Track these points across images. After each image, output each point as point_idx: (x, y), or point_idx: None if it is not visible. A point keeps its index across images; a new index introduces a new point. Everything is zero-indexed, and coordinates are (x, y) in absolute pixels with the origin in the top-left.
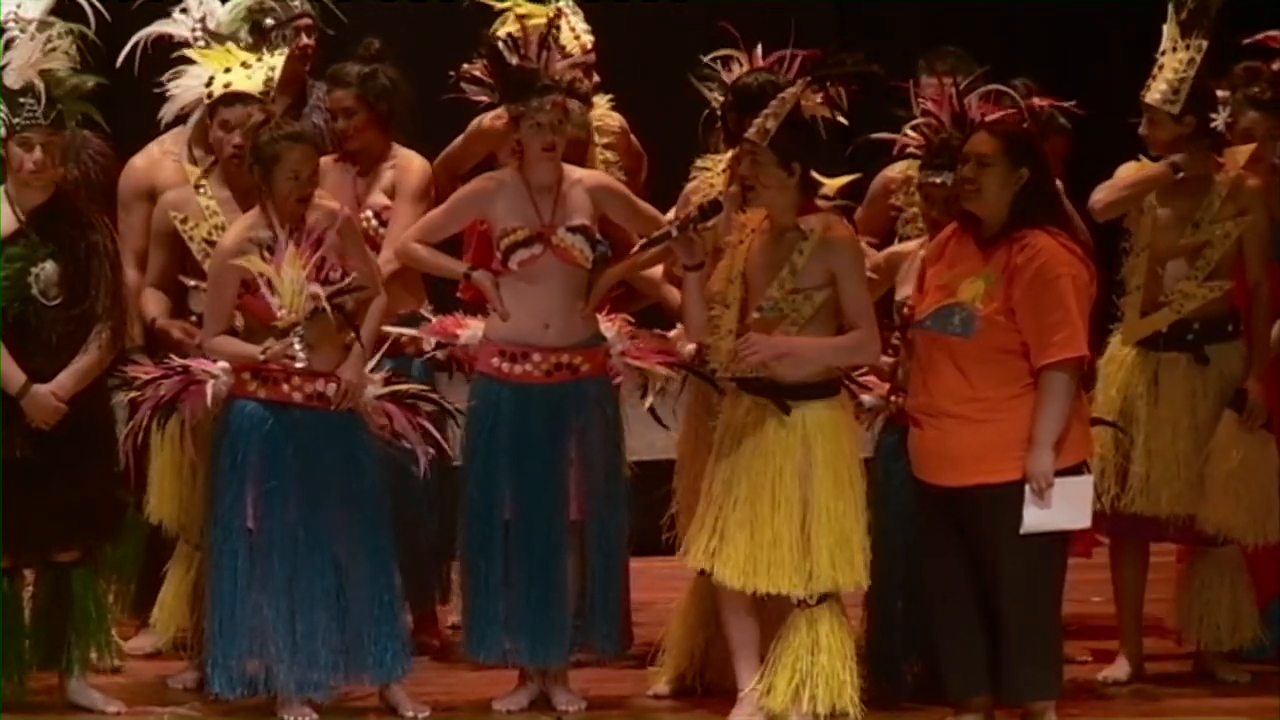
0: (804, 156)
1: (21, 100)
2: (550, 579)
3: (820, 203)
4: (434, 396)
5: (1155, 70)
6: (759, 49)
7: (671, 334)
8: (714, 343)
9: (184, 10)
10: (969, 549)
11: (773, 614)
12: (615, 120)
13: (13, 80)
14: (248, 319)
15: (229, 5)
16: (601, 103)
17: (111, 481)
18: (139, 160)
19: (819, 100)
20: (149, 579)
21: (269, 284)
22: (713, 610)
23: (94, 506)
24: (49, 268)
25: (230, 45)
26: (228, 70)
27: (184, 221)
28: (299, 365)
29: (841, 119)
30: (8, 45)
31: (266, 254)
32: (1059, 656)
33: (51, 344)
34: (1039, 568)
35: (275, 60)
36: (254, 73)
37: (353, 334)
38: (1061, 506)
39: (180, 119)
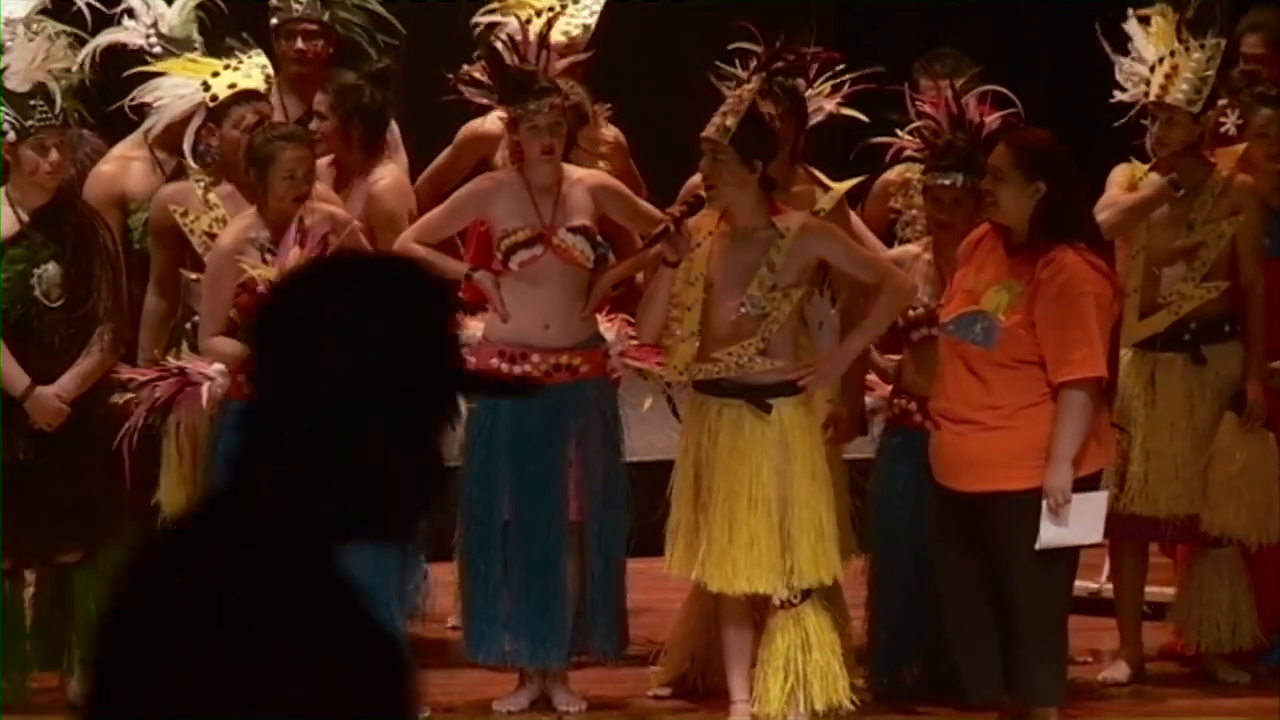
0: (764, 154)
1: (33, 103)
2: (549, 579)
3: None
4: None
5: (1168, 70)
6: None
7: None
8: (670, 345)
9: (131, 15)
10: (982, 552)
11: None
12: (610, 133)
13: (17, 83)
14: (244, 320)
15: (176, 6)
16: (597, 112)
17: (113, 483)
18: (105, 167)
19: (774, 99)
20: None
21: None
22: (713, 611)
23: (95, 508)
24: (51, 269)
25: (189, 55)
26: (217, 74)
27: (184, 215)
28: None
29: (856, 115)
30: (4, 49)
31: (268, 256)
32: (1064, 662)
33: (54, 346)
34: (1052, 575)
35: (260, 58)
36: (250, 71)
37: None
38: (1077, 522)
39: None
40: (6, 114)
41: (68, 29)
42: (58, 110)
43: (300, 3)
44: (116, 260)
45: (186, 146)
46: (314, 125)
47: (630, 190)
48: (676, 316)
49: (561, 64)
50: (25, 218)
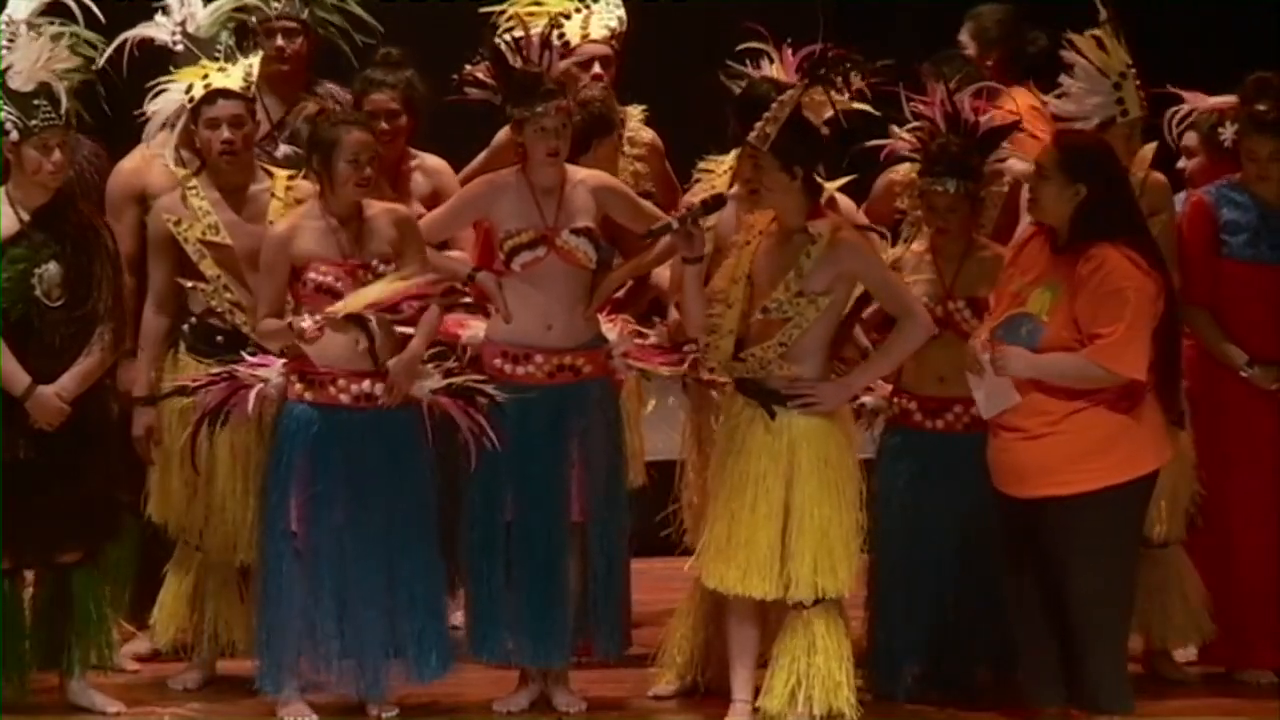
0: (806, 160)
1: (36, 102)
2: (552, 580)
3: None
4: (488, 390)
5: (1135, 86)
6: (788, 43)
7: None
8: (713, 341)
9: (165, 12)
10: (1041, 556)
11: (777, 619)
12: (647, 134)
13: (20, 83)
14: (296, 307)
15: (210, 8)
16: (635, 114)
17: (112, 482)
18: (127, 163)
19: (822, 101)
20: (147, 581)
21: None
22: (714, 611)
23: (95, 507)
24: (52, 269)
25: (205, 62)
26: (205, 76)
27: (177, 224)
28: (303, 324)
29: (845, 118)
30: (7, 47)
31: (332, 241)
32: (1127, 668)
33: (55, 345)
34: (1109, 579)
35: (252, 59)
36: (231, 71)
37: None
38: (991, 393)
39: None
40: (10, 113)
41: (82, 31)
42: (61, 110)
43: (279, 2)
44: (117, 260)
45: (167, 147)
46: (381, 125)
47: (665, 192)
48: (718, 312)
49: (565, 64)
50: (26, 217)
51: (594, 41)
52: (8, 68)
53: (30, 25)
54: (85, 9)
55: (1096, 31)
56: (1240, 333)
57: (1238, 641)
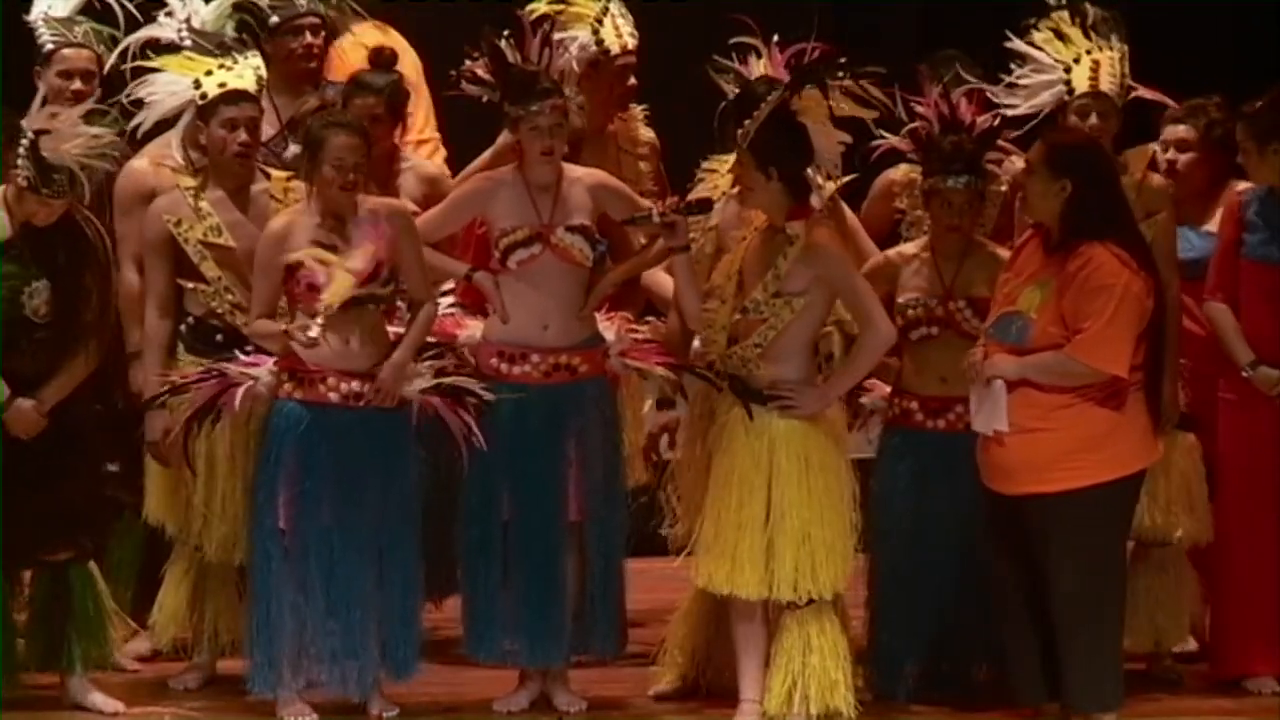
0: (783, 161)
1: (55, 175)
2: (549, 579)
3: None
4: (478, 390)
5: (1091, 65)
6: (775, 40)
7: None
8: (709, 336)
9: (169, 13)
10: (1027, 554)
11: (775, 619)
12: (648, 134)
13: (49, 148)
14: (289, 305)
15: (213, 4)
16: (636, 114)
17: (97, 483)
18: (137, 163)
19: (815, 103)
20: (147, 581)
21: (323, 264)
22: (715, 611)
23: (78, 509)
24: (42, 287)
25: (197, 55)
26: (210, 73)
27: (177, 224)
28: (310, 335)
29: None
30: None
31: (322, 244)
32: (1118, 668)
33: (37, 358)
34: (1093, 578)
35: (255, 60)
36: (242, 71)
37: (390, 331)
38: (988, 408)
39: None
40: (26, 166)
41: (104, 27)
42: (72, 190)
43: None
44: (108, 269)
45: (174, 144)
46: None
47: (658, 192)
48: (712, 308)
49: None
50: (18, 227)
51: (629, 51)
52: (45, 131)
53: (66, 21)
54: (123, 9)
55: (1055, 19)
56: (1250, 333)
57: (1239, 649)
